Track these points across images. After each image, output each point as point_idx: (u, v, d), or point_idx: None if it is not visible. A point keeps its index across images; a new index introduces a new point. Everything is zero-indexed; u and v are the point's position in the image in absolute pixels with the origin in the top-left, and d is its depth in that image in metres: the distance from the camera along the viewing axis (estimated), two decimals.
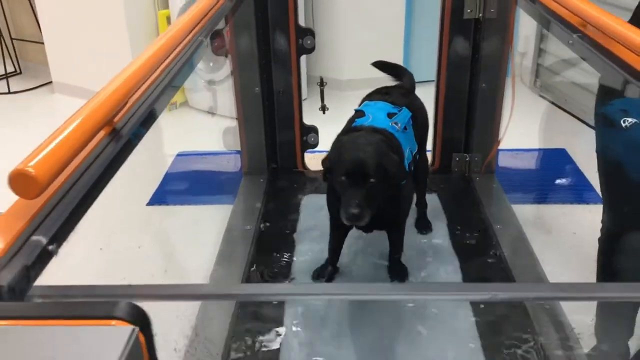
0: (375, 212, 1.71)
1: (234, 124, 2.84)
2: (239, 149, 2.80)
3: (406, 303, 1.85)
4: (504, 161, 2.91)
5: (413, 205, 2.25)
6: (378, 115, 1.97)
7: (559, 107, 3.94)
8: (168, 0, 3.98)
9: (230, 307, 1.85)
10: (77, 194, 0.83)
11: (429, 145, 2.48)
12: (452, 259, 2.15)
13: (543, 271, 2.07)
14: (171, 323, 1.77)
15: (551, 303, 1.91)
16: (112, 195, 1.02)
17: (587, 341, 1.80)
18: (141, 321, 0.59)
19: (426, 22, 4.11)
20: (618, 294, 0.73)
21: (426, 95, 2.34)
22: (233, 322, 1.82)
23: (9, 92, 4.62)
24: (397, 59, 3.34)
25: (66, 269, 0.83)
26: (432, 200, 2.46)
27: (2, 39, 4.75)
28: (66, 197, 0.81)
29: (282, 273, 2.11)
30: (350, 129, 1.94)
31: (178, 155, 3.43)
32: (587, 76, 3.60)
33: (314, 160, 2.85)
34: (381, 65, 2.34)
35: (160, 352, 0.60)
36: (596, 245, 1.85)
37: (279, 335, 1.80)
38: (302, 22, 2.60)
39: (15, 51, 4.93)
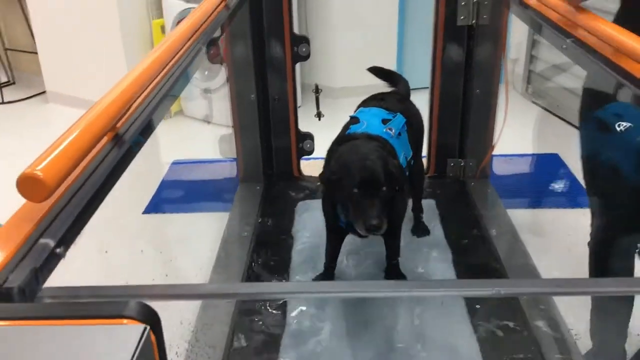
0: None
1: (229, 131, 2.85)
2: (235, 156, 2.82)
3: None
4: (498, 166, 2.94)
5: (409, 211, 2.27)
6: (372, 122, 1.99)
7: (551, 113, 3.98)
8: (162, 9, 4.00)
9: (229, 312, 1.86)
10: (83, 198, 0.84)
11: (424, 151, 2.51)
12: (448, 262, 2.16)
13: (539, 274, 2.09)
14: (173, 327, 1.78)
15: (548, 306, 1.93)
16: (108, 203, 1.02)
17: (584, 341, 1.82)
18: (151, 320, 0.60)
19: (419, 30, 4.15)
20: (617, 288, 0.75)
21: (420, 101, 2.36)
22: (232, 328, 1.83)
23: (3, 102, 4.62)
24: (390, 66, 3.36)
25: (62, 278, 0.84)
26: (428, 205, 2.48)
27: None
28: (72, 200, 0.82)
29: (280, 279, 2.11)
30: (344, 137, 1.94)
31: (173, 163, 3.44)
32: (577, 81, 3.65)
33: (309, 167, 2.86)
34: (376, 71, 2.36)
35: None
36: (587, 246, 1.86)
37: (279, 342, 1.81)
38: (295, 30, 2.62)
39: (8, 61, 4.93)
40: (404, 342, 1.80)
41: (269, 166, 2.81)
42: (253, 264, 2.21)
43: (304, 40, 2.59)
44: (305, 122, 2.82)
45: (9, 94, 4.69)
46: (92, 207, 0.86)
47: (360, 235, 2.00)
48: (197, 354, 1.66)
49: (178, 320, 1.82)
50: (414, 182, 2.21)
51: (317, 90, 2.77)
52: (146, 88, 1.21)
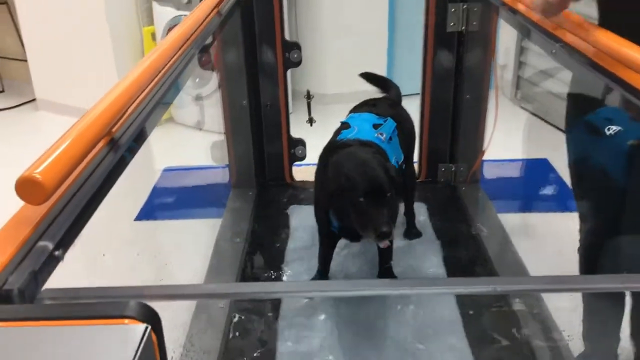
0: None
1: (221, 138, 2.86)
2: (227, 162, 2.82)
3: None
4: (488, 171, 2.96)
5: (401, 215, 2.28)
6: (363, 127, 2.00)
7: (540, 118, 4.02)
8: (153, 16, 4.00)
9: (224, 317, 1.86)
10: (80, 201, 0.84)
11: (415, 156, 2.53)
12: (440, 265, 2.18)
13: (528, 273, 2.11)
14: (168, 331, 1.77)
15: (540, 309, 1.95)
16: (99, 210, 1.02)
17: (577, 343, 1.84)
18: (152, 320, 0.60)
19: (409, 37, 4.18)
20: (610, 285, 0.77)
21: (410, 108, 2.38)
22: (227, 333, 1.83)
23: None
24: (380, 72, 3.39)
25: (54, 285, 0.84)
26: (420, 209, 2.49)
27: None
28: (70, 204, 0.82)
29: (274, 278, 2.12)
30: (336, 144, 1.93)
31: (165, 170, 3.43)
32: (564, 86, 3.68)
33: (300, 173, 2.87)
34: (368, 77, 2.38)
35: None
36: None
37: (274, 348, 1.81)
38: (286, 36, 2.64)
39: None
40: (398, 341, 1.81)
41: (261, 172, 2.81)
42: (246, 270, 2.22)
43: (296, 46, 2.61)
44: (297, 128, 2.83)
45: None
46: (89, 211, 0.87)
47: (353, 240, 2.02)
48: (192, 359, 1.66)
49: (173, 324, 1.82)
50: (406, 186, 2.23)
51: (308, 96, 2.79)
52: (140, 94, 1.21)
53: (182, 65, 1.48)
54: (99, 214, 0.89)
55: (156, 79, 1.32)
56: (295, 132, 2.81)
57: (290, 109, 3.24)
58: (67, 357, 0.56)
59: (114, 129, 1.05)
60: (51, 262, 0.74)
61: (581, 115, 1.78)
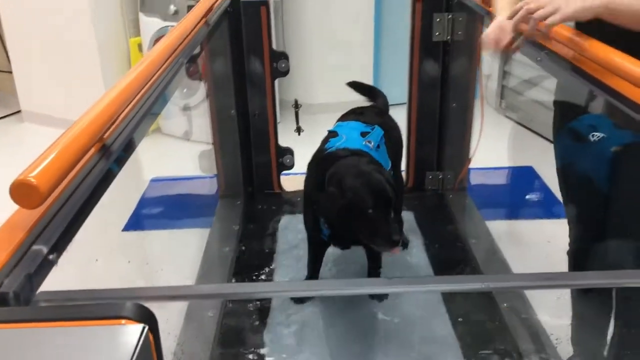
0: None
1: (209, 148, 2.86)
2: (215, 172, 2.82)
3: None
4: (475, 179, 2.99)
5: None
6: (351, 135, 2.01)
7: (524, 127, 4.07)
8: (139, 27, 4.00)
9: (214, 325, 1.86)
10: (73, 206, 0.85)
11: (403, 165, 2.54)
12: (428, 272, 2.19)
13: None
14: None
15: (528, 315, 1.97)
16: (87, 220, 1.01)
17: (565, 347, 1.86)
18: (149, 320, 0.61)
19: (395, 47, 4.22)
20: (600, 280, 0.78)
21: (396, 117, 2.40)
22: (216, 341, 1.82)
23: None
24: (367, 82, 3.42)
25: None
26: (408, 217, 2.51)
27: None
28: (63, 208, 0.83)
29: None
30: (329, 156, 1.90)
31: (152, 180, 3.42)
32: (547, 94, 3.75)
33: (288, 182, 2.88)
34: (355, 86, 2.40)
35: None
36: (566, 255, 1.91)
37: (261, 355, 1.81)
38: (274, 46, 2.66)
39: None
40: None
41: (249, 181, 2.82)
42: (235, 278, 2.21)
43: (283, 56, 2.62)
44: (284, 138, 2.84)
45: None
46: (82, 216, 0.87)
47: (342, 247, 2.03)
48: None
49: (164, 331, 1.81)
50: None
51: (296, 105, 2.80)
52: (130, 103, 1.22)
53: (170, 75, 1.48)
54: (86, 224, 0.90)
55: (145, 88, 1.32)
56: (283, 142, 2.82)
57: (278, 119, 3.26)
58: (65, 358, 0.56)
59: (105, 136, 1.06)
60: (46, 265, 0.74)
61: (566, 122, 1.81)
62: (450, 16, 2.49)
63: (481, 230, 2.50)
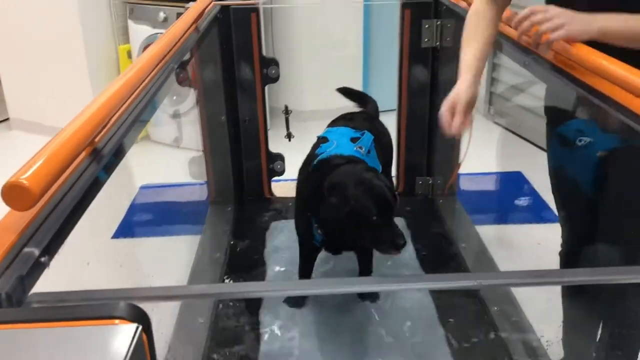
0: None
1: (199, 154, 2.86)
2: (205, 178, 2.81)
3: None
4: (465, 184, 3.01)
5: None
6: (341, 141, 2.01)
7: (513, 133, 4.11)
8: (129, 34, 4.00)
9: (205, 331, 1.85)
10: (66, 208, 0.85)
11: (393, 170, 2.55)
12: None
13: None
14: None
15: (519, 317, 1.98)
16: (75, 228, 1.00)
17: (556, 348, 1.87)
18: (142, 320, 0.61)
19: (384, 53, 4.25)
20: (592, 277, 0.79)
21: (386, 123, 2.41)
22: (208, 348, 1.82)
23: None
24: (357, 89, 3.44)
25: None
26: (398, 222, 2.50)
27: None
28: (55, 211, 0.83)
29: (254, 300, 2.11)
30: (324, 164, 1.88)
31: (142, 187, 3.41)
32: (534, 100, 3.80)
33: (279, 188, 2.88)
34: (345, 92, 2.41)
35: None
36: (556, 258, 1.92)
37: None
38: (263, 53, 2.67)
39: None
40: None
41: (240, 188, 2.81)
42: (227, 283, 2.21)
43: (273, 62, 2.63)
44: (274, 145, 2.84)
45: None
46: (74, 219, 0.87)
47: (334, 252, 2.03)
48: None
49: (156, 338, 1.80)
50: None
51: (286, 111, 2.81)
52: (121, 107, 1.22)
53: (160, 80, 1.49)
54: (76, 231, 0.89)
55: (135, 93, 1.32)
56: (274, 149, 2.82)
57: (268, 126, 3.26)
58: (59, 358, 0.56)
59: (96, 140, 1.06)
60: (38, 267, 0.74)
61: (555, 127, 1.83)
62: (438, 22, 2.52)
63: (471, 235, 2.51)
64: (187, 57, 1.93)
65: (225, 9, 2.49)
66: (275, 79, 2.66)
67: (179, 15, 3.05)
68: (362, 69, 4.39)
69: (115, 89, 1.19)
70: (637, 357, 1.65)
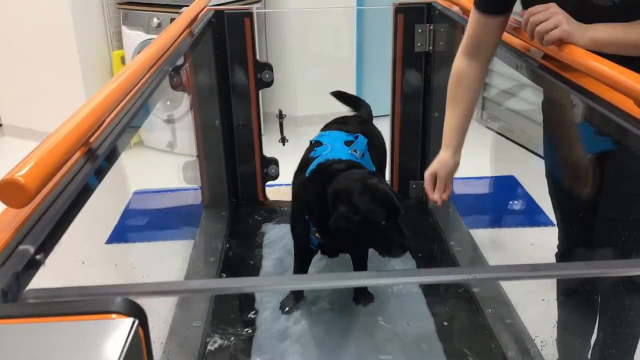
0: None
1: (193, 159, 2.85)
2: (199, 184, 2.81)
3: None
4: (458, 188, 3.01)
5: None
6: (336, 145, 2.01)
7: (505, 137, 4.13)
8: (122, 40, 4.00)
9: (199, 333, 1.85)
10: (61, 207, 0.85)
11: (387, 174, 2.56)
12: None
13: (501, 285, 2.15)
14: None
15: (513, 320, 1.98)
16: (68, 233, 0.99)
17: (551, 349, 1.87)
18: (138, 315, 0.61)
19: (377, 59, 4.27)
20: (587, 270, 0.80)
21: (380, 128, 2.42)
22: (203, 351, 1.81)
23: None
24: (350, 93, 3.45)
25: None
26: None
27: None
28: (50, 209, 0.83)
29: (248, 301, 2.11)
30: (324, 167, 1.87)
31: (135, 193, 3.41)
32: (526, 105, 3.83)
33: (273, 193, 2.88)
34: (339, 95, 2.42)
35: None
36: (549, 261, 1.93)
37: None
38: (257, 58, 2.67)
39: None
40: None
41: (234, 192, 2.81)
42: None
43: (267, 67, 2.64)
44: (268, 149, 2.85)
45: None
46: (69, 218, 0.87)
47: (331, 255, 2.04)
48: None
49: (157, 336, 1.80)
50: None
51: (280, 116, 2.81)
52: (116, 107, 1.22)
53: (155, 81, 1.49)
54: (69, 236, 0.89)
55: (130, 95, 1.33)
56: (268, 153, 2.82)
57: (263, 131, 3.27)
58: (56, 352, 0.56)
59: (91, 140, 1.06)
60: (33, 265, 0.74)
61: (549, 130, 1.85)
62: (431, 27, 2.53)
63: (465, 238, 2.52)
64: (181, 61, 1.93)
65: (219, 13, 2.50)
66: (269, 84, 2.67)
67: (172, 21, 3.06)
68: (355, 74, 4.41)
69: (110, 89, 1.19)
70: (631, 356, 1.66)
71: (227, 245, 2.49)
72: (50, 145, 0.84)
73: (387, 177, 2.58)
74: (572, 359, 1.91)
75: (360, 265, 2.05)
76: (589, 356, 1.81)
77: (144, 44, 3.74)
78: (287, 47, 4.27)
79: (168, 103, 3.82)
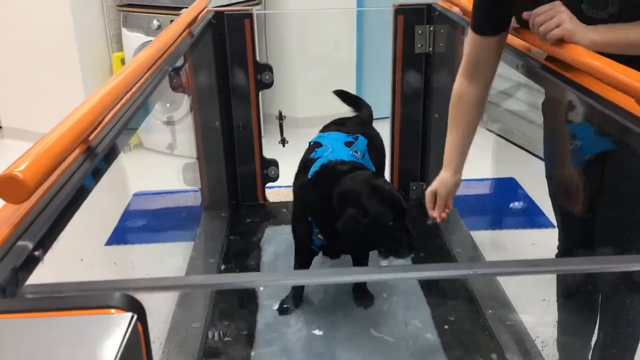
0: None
1: (192, 161, 2.85)
2: (199, 185, 2.81)
3: None
4: (458, 190, 3.01)
5: None
6: (336, 145, 2.01)
7: (506, 139, 4.13)
8: (122, 42, 4.00)
9: (199, 333, 1.84)
10: (60, 203, 0.84)
11: (387, 176, 2.56)
12: (415, 283, 2.19)
13: (500, 285, 2.14)
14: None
15: (514, 322, 1.98)
16: (67, 234, 0.99)
17: (551, 349, 1.87)
18: (137, 310, 0.61)
19: (377, 60, 4.26)
20: (588, 266, 0.80)
21: (380, 130, 2.42)
22: (202, 350, 1.81)
23: None
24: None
25: None
26: None
27: None
28: (49, 206, 0.82)
29: (248, 302, 2.10)
30: (327, 169, 1.86)
31: (135, 195, 3.40)
32: (524, 106, 3.83)
33: (273, 195, 2.88)
34: (341, 94, 2.42)
35: None
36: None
37: None
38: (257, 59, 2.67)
39: None
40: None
41: (234, 194, 2.81)
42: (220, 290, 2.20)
43: (267, 68, 2.64)
44: (268, 150, 2.84)
45: None
46: (68, 214, 0.86)
47: (332, 257, 2.04)
48: None
49: (156, 336, 1.80)
50: None
51: (280, 117, 2.81)
52: (114, 106, 1.21)
53: (155, 81, 1.48)
54: (68, 238, 0.89)
55: (129, 93, 1.32)
56: (268, 155, 2.82)
57: (262, 132, 3.27)
58: (55, 347, 0.56)
59: (90, 138, 1.06)
60: (31, 261, 0.74)
61: (550, 130, 1.85)
62: (431, 28, 2.53)
63: (465, 240, 2.52)
64: (181, 62, 1.93)
65: (219, 14, 2.50)
66: (269, 85, 2.67)
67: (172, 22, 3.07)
68: (355, 75, 4.41)
69: (109, 87, 1.19)
70: (631, 356, 1.65)
71: (226, 247, 2.48)
72: (49, 141, 0.84)
73: (388, 178, 2.57)
74: (573, 359, 1.91)
75: (361, 265, 2.04)
76: (590, 356, 1.80)
77: (143, 46, 3.74)
78: (287, 48, 4.27)
79: (168, 105, 3.81)
